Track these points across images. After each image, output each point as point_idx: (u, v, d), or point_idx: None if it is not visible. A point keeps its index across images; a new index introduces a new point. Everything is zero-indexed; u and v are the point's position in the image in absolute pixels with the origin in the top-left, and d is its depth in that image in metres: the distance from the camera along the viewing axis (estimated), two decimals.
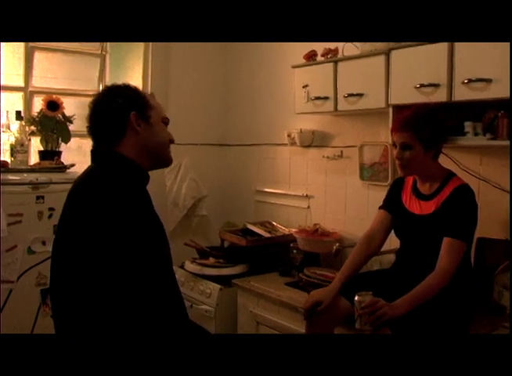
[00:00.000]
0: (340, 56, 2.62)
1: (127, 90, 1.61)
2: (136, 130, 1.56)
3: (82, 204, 1.47)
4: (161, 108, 1.67)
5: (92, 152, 1.62)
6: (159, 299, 1.42)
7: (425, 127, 2.00)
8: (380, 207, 2.26)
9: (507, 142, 1.99)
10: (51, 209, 2.71)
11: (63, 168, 2.92)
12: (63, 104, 3.04)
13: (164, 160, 1.68)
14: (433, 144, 2.02)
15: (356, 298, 1.87)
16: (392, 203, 2.21)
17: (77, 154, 3.39)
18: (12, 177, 2.65)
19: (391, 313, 1.79)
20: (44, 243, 2.69)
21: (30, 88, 3.24)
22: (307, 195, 3.23)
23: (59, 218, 1.58)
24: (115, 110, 1.56)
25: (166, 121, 1.67)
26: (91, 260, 1.39)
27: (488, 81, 1.92)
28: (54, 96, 3.04)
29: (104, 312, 1.39)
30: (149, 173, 1.64)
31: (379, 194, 2.30)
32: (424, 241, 2.04)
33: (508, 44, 1.81)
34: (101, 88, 3.48)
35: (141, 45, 3.58)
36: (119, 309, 1.38)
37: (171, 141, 1.68)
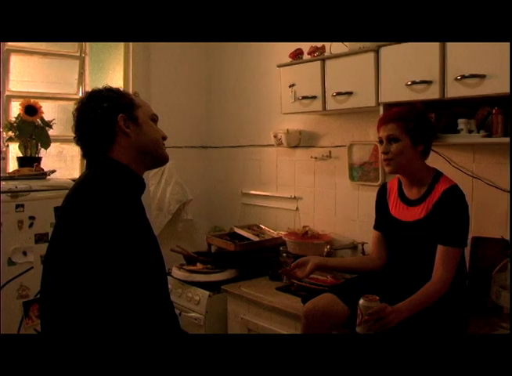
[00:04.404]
0: (327, 53, 2.57)
1: (110, 92, 1.55)
2: (126, 133, 1.51)
3: (75, 211, 1.42)
4: (148, 106, 1.62)
5: (85, 157, 1.57)
6: (145, 309, 1.37)
7: (411, 118, 1.96)
8: (374, 228, 2.22)
9: (503, 139, 1.96)
10: (31, 218, 2.61)
11: (43, 175, 2.83)
12: (42, 108, 2.95)
13: (160, 159, 1.62)
14: (421, 138, 1.97)
15: (362, 302, 1.75)
16: (381, 217, 2.16)
17: (58, 160, 3.31)
18: None
19: (396, 321, 1.73)
20: (25, 253, 2.58)
21: (6, 93, 3.13)
22: (295, 197, 3.18)
23: (55, 224, 1.53)
24: (101, 115, 1.49)
25: (155, 118, 1.61)
26: (80, 267, 1.35)
27: (482, 76, 1.88)
28: (32, 100, 2.94)
29: (90, 317, 1.34)
30: None
31: (369, 194, 2.26)
32: (414, 248, 2.00)
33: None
34: (81, 91, 3.40)
35: (121, 46, 3.51)
36: (105, 315, 1.34)
37: (164, 138, 1.62)
